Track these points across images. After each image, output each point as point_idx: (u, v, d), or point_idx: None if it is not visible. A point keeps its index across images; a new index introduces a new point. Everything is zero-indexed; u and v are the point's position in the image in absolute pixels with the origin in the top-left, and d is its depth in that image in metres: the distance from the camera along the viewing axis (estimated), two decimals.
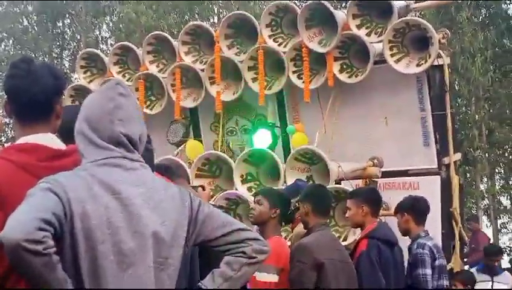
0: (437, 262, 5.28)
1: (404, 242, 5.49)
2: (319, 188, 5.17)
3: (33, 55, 21.19)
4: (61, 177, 2.19)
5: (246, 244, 2.36)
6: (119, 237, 2.16)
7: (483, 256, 8.50)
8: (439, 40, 7.02)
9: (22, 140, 2.42)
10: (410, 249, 5.38)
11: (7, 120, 2.93)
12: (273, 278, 4.42)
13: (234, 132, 8.50)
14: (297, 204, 5.08)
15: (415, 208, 5.49)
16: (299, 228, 5.02)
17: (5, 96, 2.47)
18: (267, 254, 2.42)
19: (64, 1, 22.14)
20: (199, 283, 2.36)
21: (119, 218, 2.17)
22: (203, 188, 4.93)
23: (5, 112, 2.52)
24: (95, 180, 2.20)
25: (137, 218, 2.20)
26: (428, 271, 5.18)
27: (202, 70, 8.12)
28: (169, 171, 3.88)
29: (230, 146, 8.38)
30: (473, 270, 8.25)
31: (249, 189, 7.28)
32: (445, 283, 5.37)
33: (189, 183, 4.21)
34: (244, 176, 7.37)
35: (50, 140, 2.42)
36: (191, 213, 2.33)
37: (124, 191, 2.21)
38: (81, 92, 8.82)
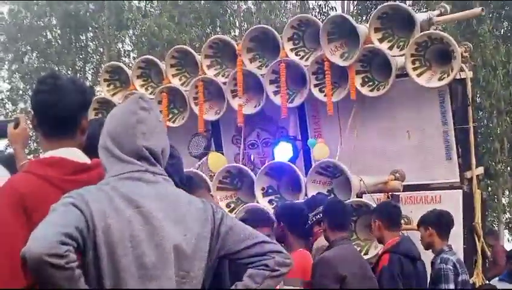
0: (460, 278, 5.23)
1: (427, 256, 5.46)
2: (333, 203, 5.17)
3: (56, 68, 21.45)
4: (84, 191, 2.21)
5: (269, 257, 2.36)
6: (141, 250, 2.18)
7: (507, 260, 8.38)
8: (462, 54, 7.00)
9: (47, 154, 2.46)
10: (433, 263, 5.35)
11: (30, 133, 2.95)
12: None
13: (255, 145, 8.52)
14: (314, 218, 5.10)
15: (439, 222, 5.46)
16: (319, 242, 5.02)
17: (32, 111, 2.52)
18: (290, 267, 2.42)
19: (88, 14, 22.37)
20: None
21: (141, 232, 2.19)
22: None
23: (32, 126, 2.57)
24: (117, 194, 2.22)
25: (159, 231, 2.21)
26: (452, 286, 5.14)
27: (224, 83, 8.17)
28: (192, 181, 3.90)
29: (252, 159, 8.40)
30: (495, 281, 8.15)
31: (270, 202, 7.29)
32: None
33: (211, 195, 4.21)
34: (265, 189, 7.38)
35: (75, 154, 2.46)
36: (213, 226, 2.34)
37: (146, 205, 2.23)
38: (105, 105, 8.92)
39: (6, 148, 20.08)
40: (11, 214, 2.25)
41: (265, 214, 6.23)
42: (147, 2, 21.98)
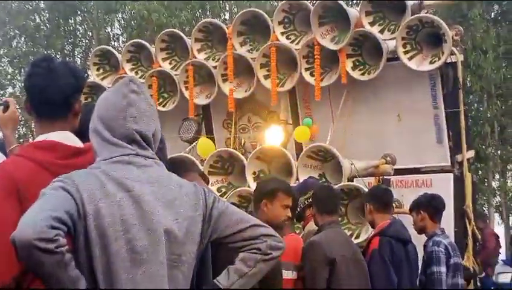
0: (452, 260, 5.26)
1: (421, 240, 5.49)
2: (321, 188, 5.18)
3: (45, 53, 21.28)
4: (74, 175, 2.20)
5: (261, 241, 2.35)
6: (132, 234, 2.16)
7: (497, 243, 8.44)
8: (453, 37, 6.99)
9: (40, 138, 2.45)
10: (425, 246, 5.37)
11: (20, 117, 2.95)
12: (292, 275, 4.43)
13: (246, 129, 8.51)
14: (306, 202, 5.13)
15: (431, 206, 5.48)
16: (311, 225, 5.03)
17: (26, 94, 2.50)
18: (282, 250, 2.41)
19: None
20: (214, 280, 2.36)
21: (132, 216, 2.18)
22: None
23: (25, 110, 2.55)
24: (108, 177, 2.20)
25: (149, 215, 2.20)
26: (443, 269, 5.17)
27: (215, 67, 8.13)
28: (183, 165, 3.89)
29: (243, 143, 8.39)
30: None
31: None
32: (460, 281, 5.35)
33: (204, 179, 4.19)
34: (257, 173, 7.38)
35: (68, 138, 2.45)
36: (205, 209, 2.33)
37: (136, 189, 2.21)
38: (94, 89, 8.86)
39: None
40: (3, 197, 2.24)
41: None
42: None
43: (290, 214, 4.07)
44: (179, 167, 3.81)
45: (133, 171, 2.26)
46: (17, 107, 3.16)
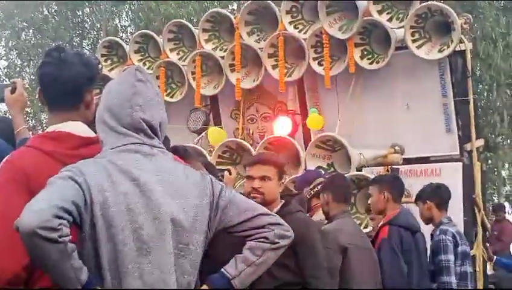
0: (460, 248, 5.25)
1: (428, 229, 5.47)
2: (338, 177, 5.19)
3: (53, 44, 21.31)
4: (81, 164, 2.19)
5: (268, 230, 2.35)
6: (139, 223, 2.16)
7: None
8: (461, 26, 6.94)
9: (51, 128, 2.45)
10: (432, 235, 5.36)
11: (28, 110, 2.96)
12: None
13: (254, 119, 8.49)
14: (311, 192, 5.13)
15: (437, 195, 5.47)
16: (318, 216, 5.02)
17: (39, 84, 2.51)
18: (290, 239, 2.41)
19: None
20: (222, 269, 2.35)
21: (138, 204, 2.18)
22: (229, 172, 4.93)
23: (38, 99, 2.56)
24: (114, 167, 2.20)
25: (156, 204, 2.20)
26: (451, 257, 5.16)
27: (222, 57, 8.11)
28: (187, 153, 3.92)
29: (251, 133, 8.38)
30: None
31: None
32: (469, 269, 5.34)
33: (212, 169, 4.24)
34: None
35: (79, 128, 2.45)
36: (212, 199, 2.33)
37: (142, 178, 2.21)
38: (102, 80, 8.86)
39: (6, 113, 20.15)
40: (14, 190, 2.24)
41: None
42: None
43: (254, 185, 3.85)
44: (181, 155, 3.85)
45: (140, 160, 2.25)
46: (26, 86, 3.18)
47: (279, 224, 2.39)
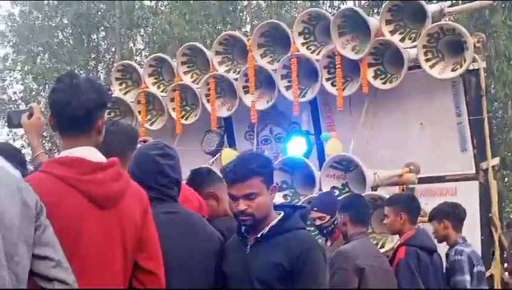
0: (475, 269, 5.21)
1: (441, 249, 5.43)
2: (356, 197, 5.17)
3: (68, 68, 21.52)
4: None
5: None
6: None
7: None
8: (475, 44, 6.94)
9: (63, 153, 2.47)
10: (447, 255, 5.33)
11: (44, 133, 2.99)
12: None
13: (268, 141, 8.51)
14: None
15: (454, 215, 5.43)
16: (339, 243, 4.95)
17: (50, 110, 2.53)
18: None
19: (99, 13, 22.45)
20: None
21: None
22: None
23: (49, 125, 2.58)
24: None
25: None
26: (468, 277, 5.12)
27: (236, 79, 8.16)
28: (211, 175, 3.92)
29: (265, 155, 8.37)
30: None
31: (285, 197, 7.28)
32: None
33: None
34: (279, 184, 7.37)
35: (91, 153, 2.47)
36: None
37: None
38: (117, 104, 8.94)
39: (22, 137, 20.23)
40: None
41: None
42: (158, 0, 22.00)
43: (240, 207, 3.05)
44: (203, 177, 3.85)
45: None
46: (42, 110, 3.21)
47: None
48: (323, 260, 3.10)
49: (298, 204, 5.53)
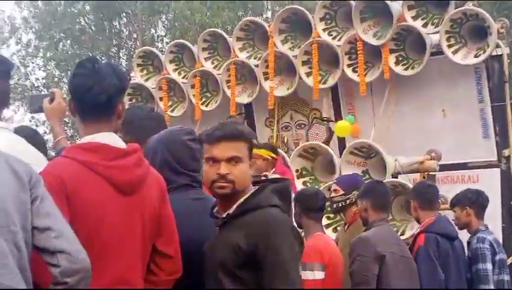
0: (497, 257, 5.17)
1: (464, 236, 5.40)
2: (377, 183, 5.14)
3: (90, 55, 21.61)
4: None
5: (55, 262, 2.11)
6: None
7: None
8: (498, 30, 6.86)
9: (85, 139, 2.48)
10: (469, 243, 5.29)
11: (67, 119, 3.00)
12: (320, 275, 4.39)
13: (289, 127, 8.50)
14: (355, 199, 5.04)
15: (478, 203, 5.37)
16: (359, 227, 4.94)
17: (70, 95, 2.54)
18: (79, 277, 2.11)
19: (121, 0, 22.47)
20: None
21: None
22: None
23: (69, 111, 2.59)
24: None
25: None
26: (489, 266, 5.08)
27: (256, 65, 8.14)
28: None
29: (285, 141, 8.38)
30: None
31: (304, 183, 7.28)
32: (506, 278, 5.24)
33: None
34: (300, 171, 7.37)
35: (113, 139, 2.48)
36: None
37: None
38: (138, 90, 8.98)
39: (44, 123, 20.37)
40: (56, 199, 2.24)
41: None
42: None
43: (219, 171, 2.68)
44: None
45: None
46: (64, 96, 3.21)
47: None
48: (290, 244, 2.60)
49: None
